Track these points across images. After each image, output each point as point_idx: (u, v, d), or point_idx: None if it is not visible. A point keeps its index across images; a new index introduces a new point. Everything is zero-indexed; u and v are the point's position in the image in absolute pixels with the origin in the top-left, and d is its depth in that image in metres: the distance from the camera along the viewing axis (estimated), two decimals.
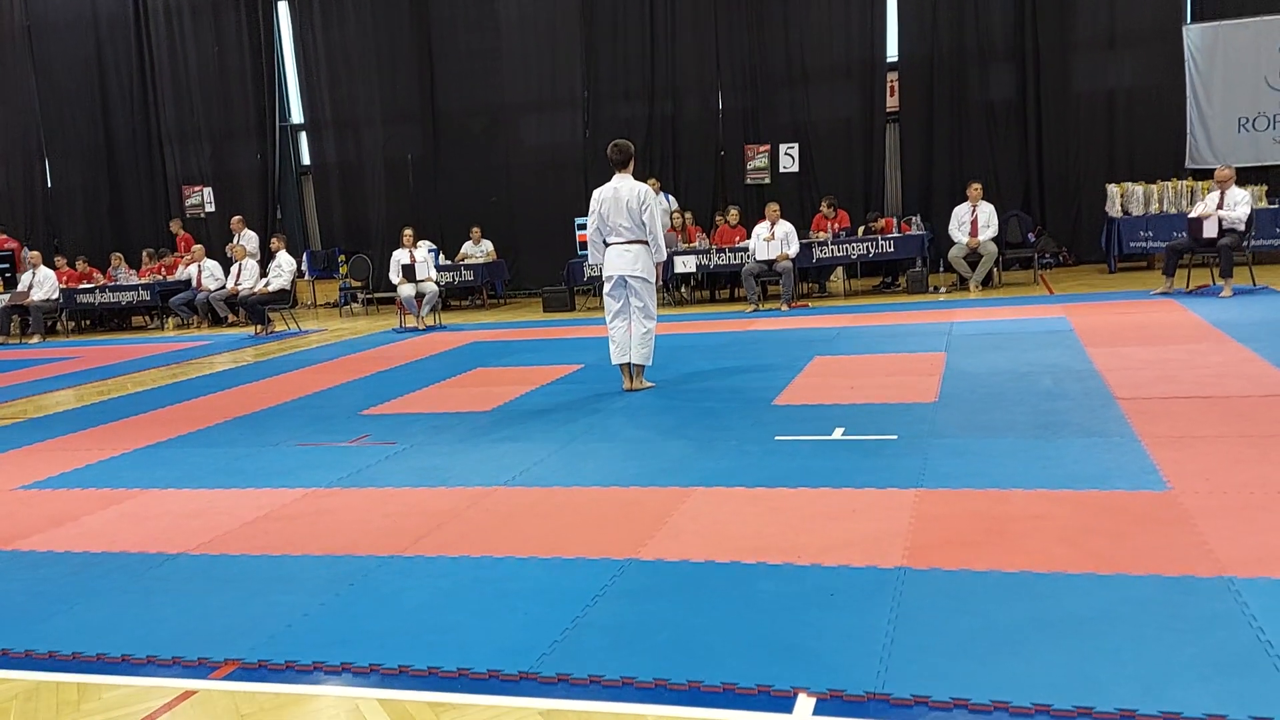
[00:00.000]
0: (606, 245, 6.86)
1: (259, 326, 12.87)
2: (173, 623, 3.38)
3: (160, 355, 11.39)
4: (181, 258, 15.48)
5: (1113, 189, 12.68)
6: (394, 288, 12.55)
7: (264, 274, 13.56)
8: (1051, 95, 13.81)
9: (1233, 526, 3.52)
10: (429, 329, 11.95)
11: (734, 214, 13.08)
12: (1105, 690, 2.49)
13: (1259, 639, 2.68)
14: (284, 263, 13.17)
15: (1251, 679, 2.49)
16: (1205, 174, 10.72)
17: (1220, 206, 9.86)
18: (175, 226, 16.62)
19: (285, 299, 13.22)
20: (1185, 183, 12.41)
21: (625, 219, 6.72)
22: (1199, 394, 5.57)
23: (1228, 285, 9.56)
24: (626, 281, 6.84)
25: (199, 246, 14.92)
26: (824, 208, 12.88)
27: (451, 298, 14.62)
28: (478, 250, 14.64)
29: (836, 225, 12.70)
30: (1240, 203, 9.80)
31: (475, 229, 14.76)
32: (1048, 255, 13.41)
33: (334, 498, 4.76)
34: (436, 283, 12.57)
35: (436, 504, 4.52)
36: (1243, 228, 9.80)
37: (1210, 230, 9.74)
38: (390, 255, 12.79)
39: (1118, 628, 2.81)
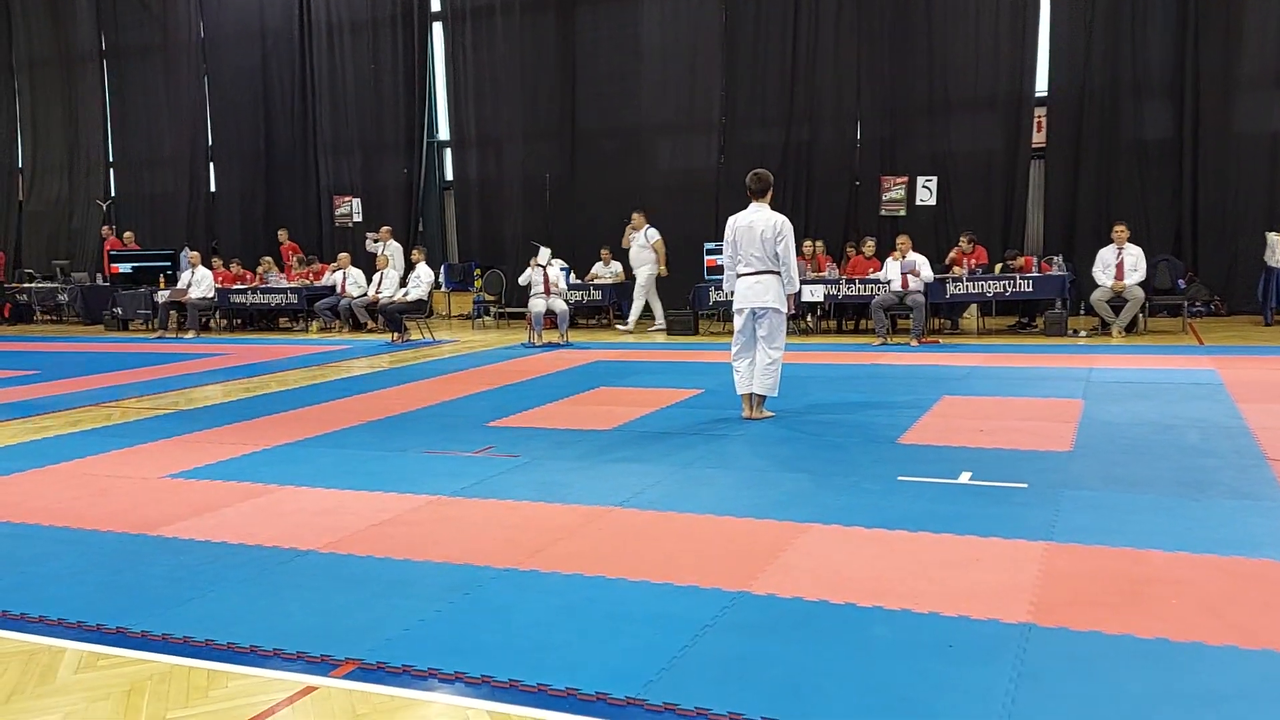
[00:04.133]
0: (739, 276, 6.84)
1: (396, 334, 13.34)
2: (298, 618, 3.52)
3: (303, 356, 11.92)
4: (325, 265, 16.18)
5: (1273, 236, 11.96)
6: (525, 303, 12.81)
7: (403, 284, 14.06)
8: (1210, 134, 13.15)
9: None
10: (556, 346, 12.15)
11: (870, 245, 12.87)
12: None
13: None
14: (423, 274, 13.62)
15: None
16: None
17: None
18: (283, 235, 17.38)
19: (422, 309, 13.68)
20: None
21: (759, 249, 6.71)
22: None
23: None
24: (756, 313, 6.81)
25: (344, 254, 15.56)
26: (962, 242, 12.56)
27: (579, 316, 14.84)
28: (607, 271, 14.83)
29: (973, 261, 12.37)
30: None
31: (605, 250, 14.96)
32: (1198, 304, 12.73)
33: (456, 506, 4.88)
34: (567, 301, 12.78)
35: (554, 519, 4.59)
36: None
37: None
38: (523, 271, 13.08)
39: (1259, 708, 2.64)
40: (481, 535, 4.39)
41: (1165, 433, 6.02)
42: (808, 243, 13.71)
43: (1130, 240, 11.52)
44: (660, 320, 13.83)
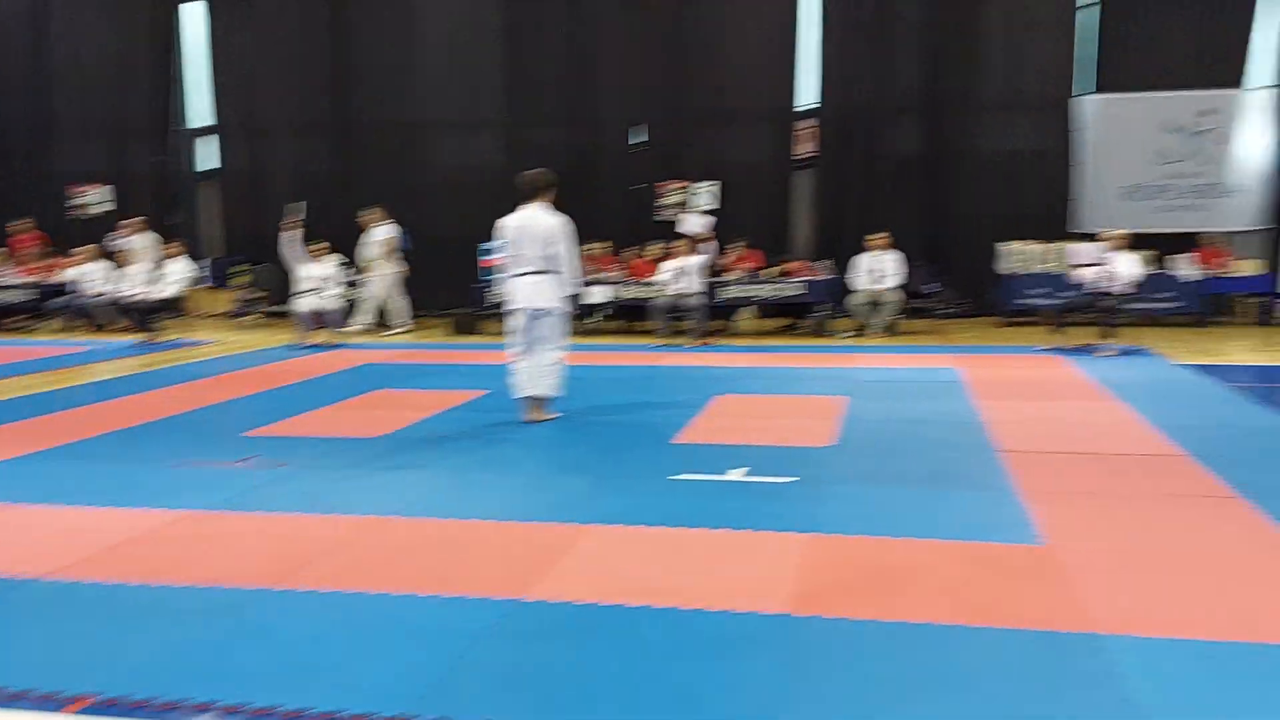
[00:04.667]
0: (516, 276, 6.78)
1: (146, 334, 12.39)
2: (24, 653, 3.19)
3: (37, 360, 10.84)
4: (62, 258, 14.82)
5: (1006, 246, 13.17)
6: (295, 301, 12.23)
7: (156, 280, 13.07)
8: (955, 152, 14.32)
9: (1103, 583, 3.64)
10: (328, 347, 11.67)
11: (656, 249, 13.06)
12: None
13: (1121, 696, 2.76)
14: (178, 269, 12.74)
15: None
16: (1091, 238, 11.26)
17: (1108, 266, 10.32)
18: (20, 226, 15.85)
19: (176, 307, 12.76)
20: (1072, 245, 12.95)
21: (536, 248, 6.67)
22: (1078, 450, 5.78)
23: (1110, 344, 9.99)
24: (533, 314, 6.78)
25: (90, 246, 14.31)
26: (736, 244, 13.04)
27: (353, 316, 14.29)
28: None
29: (744, 263, 12.87)
30: (1128, 264, 10.28)
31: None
32: (946, 306, 13.82)
33: (213, 522, 4.58)
34: (339, 299, 12.29)
35: (321, 532, 4.39)
36: (1128, 289, 10.25)
37: (1093, 276, 10.23)
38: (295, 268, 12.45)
39: (988, 683, 2.87)
40: (241, 552, 4.14)
41: (914, 427, 6.48)
42: (591, 244, 13.83)
43: (887, 247, 12.35)
44: (403, 321, 13.24)
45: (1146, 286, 11.93)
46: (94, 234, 15.87)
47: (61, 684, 2.95)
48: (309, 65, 15.86)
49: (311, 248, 12.09)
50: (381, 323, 13.41)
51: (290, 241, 12.01)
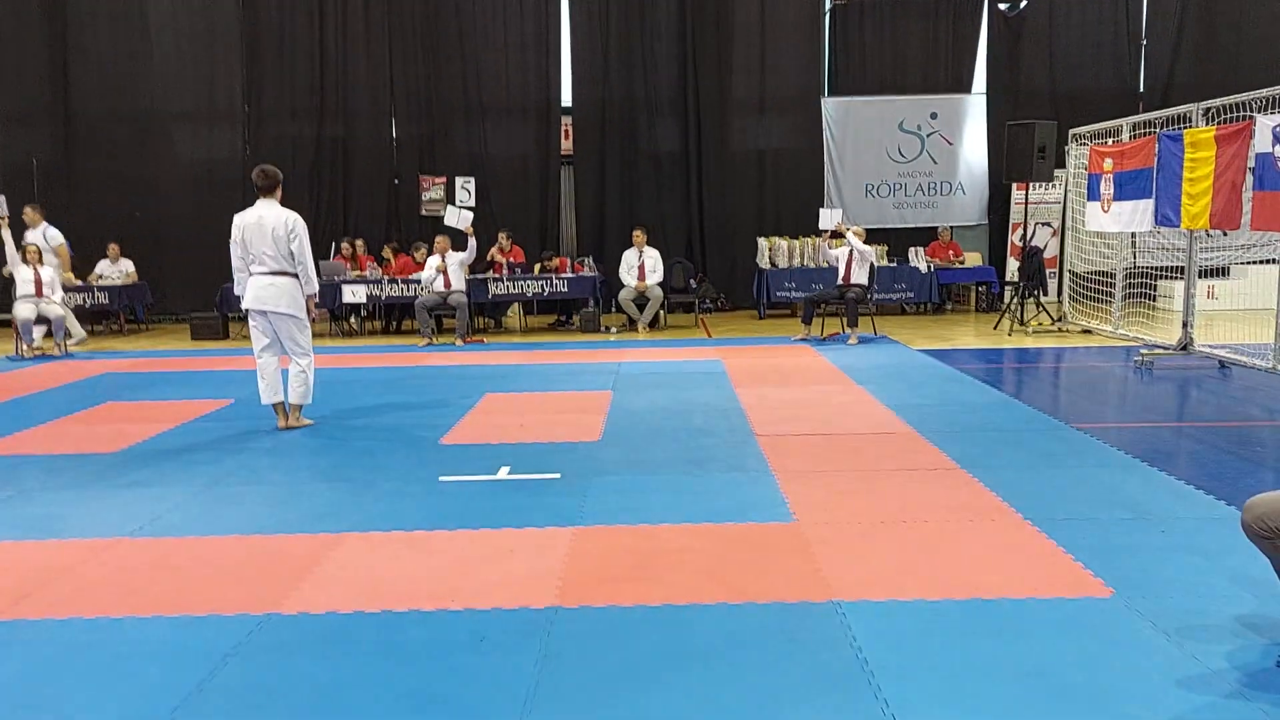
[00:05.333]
0: (252, 275, 6.44)
1: None
2: None
3: None
4: None
5: (762, 242, 13.86)
6: (9, 309, 11.07)
7: None
8: (711, 151, 14.88)
9: (841, 554, 3.91)
10: (52, 357, 10.66)
11: (423, 251, 12.69)
12: (725, 715, 2.66)
13: (858, 657, 2.98)
14: None
15: (848, 696, 2.76)
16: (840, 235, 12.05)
17: (850, 259, 11.06)
18: None
19: None
20: (823, 240, 13.82)
21: (270, 247, 6.35)
22: (824, 431, 6.17)
23: (854, 333, 10.72)
24: (270, 317, 6.46)
25: None
26: (501, 238, 12.99)
27: (83, 322, 13.12)
28: (115, 269, 13.29)
29: (510, 258, 12.85)
30: (869, 254, 11.07)
31: (113, 245, 13.39)
32: (707, 300, 14.37)
33: None
34: (63, 305, 11.24)
35: (45, 559, 4.01)
36: (866, 280, 11.04)
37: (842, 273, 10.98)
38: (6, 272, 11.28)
39: (743, 655, 3.02)
40: None
41: (677, 417, 6.70)
42: (346, 243, 13.37)
43: (649, 244, 12.67)
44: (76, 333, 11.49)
45: (886, 278, 12.92)
46: None
47: None
48: (19, 49, 14.36)
49: (25, 248, 11.00)
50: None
51: (5, 240, 10.92)
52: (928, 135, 14.74)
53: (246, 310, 6.49)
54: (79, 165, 14.54)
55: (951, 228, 14.49)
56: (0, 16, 14.32)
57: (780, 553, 3.93)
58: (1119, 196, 9.93)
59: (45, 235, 11.59)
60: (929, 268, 13.46)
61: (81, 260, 13.27)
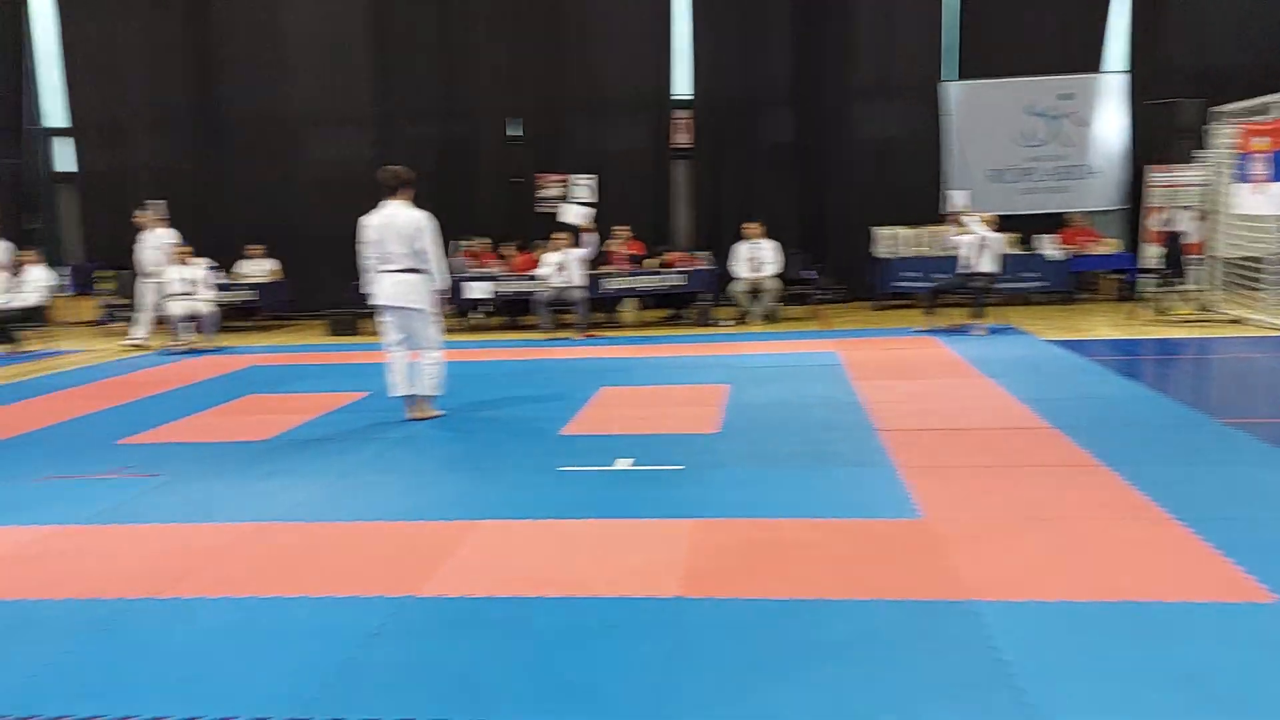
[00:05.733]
0: (382, 273, 6.67)
1: (7, 346, 11.73)
2: None
3: None
4: None
5: (880, 231, 13.60)
6: (166, 305, 11.75)
7: (15, 288, 12.37)
8: (828, 140, 14.68)
9: (974, 552, 3.83)
10: (201, 351, 11.27)
11: (541, 247, 12.89)
12: (860, 713, 2.64)
13: (997, 659, 2.92)
14: (38, 277, 12.09)
15: (990, 698, 2.71)
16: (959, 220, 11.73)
17: (978, 247, 10.76)
18: None
19: (38, 316, 12.13)
20: (944, 228, 13.47)
21: (400, 246, 6.57)
22: (952, 426, 6.04)
23: (981, 324, 10.44)
24: (402, 312, 6.68)
25: None
26: (619, 232, 13.10)
27: (229, 318, 13.82)
28: (258, 268, 13.96)
29: (627, 249, 12.95)
30: (996, 243, 10.75)
31: (255, 246, 14.08)
32: (824, 292, 14.19)
33: (85, 536, 4.39)
34: (212, 302, 11.87)
35: (202, 541, 4.26)
36: (994, 269, 10.73)
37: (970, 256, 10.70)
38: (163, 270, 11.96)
39: (874, 652, 3.00)
40: (118, 565, 3.99)
41: (796, 411, 6.65)
42: (471, 240, 13.70)
43: (765, 235, 12.60)
44: (141, 334, 11.99)
45: (1014, 267, 12.50)
46: None
47: None
48: (168, 60, 15.23)
49: (177, 250, 11.63)
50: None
51: (153, 243, 11.49)
52: (1059, 117, 14.19)
53: (378, 307, 6.72)
54: (224, 169, 15.30)
55: (1084, 213, 13.94)
56: (151, 29, 15.18)
57: (909, 550, 3.88)
58: (1276, 177, 9.40)
59: (160, 236, 11.91)
60: (1061, 255, 12.99)
61: (226, 260, 14.00)
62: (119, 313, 14.16)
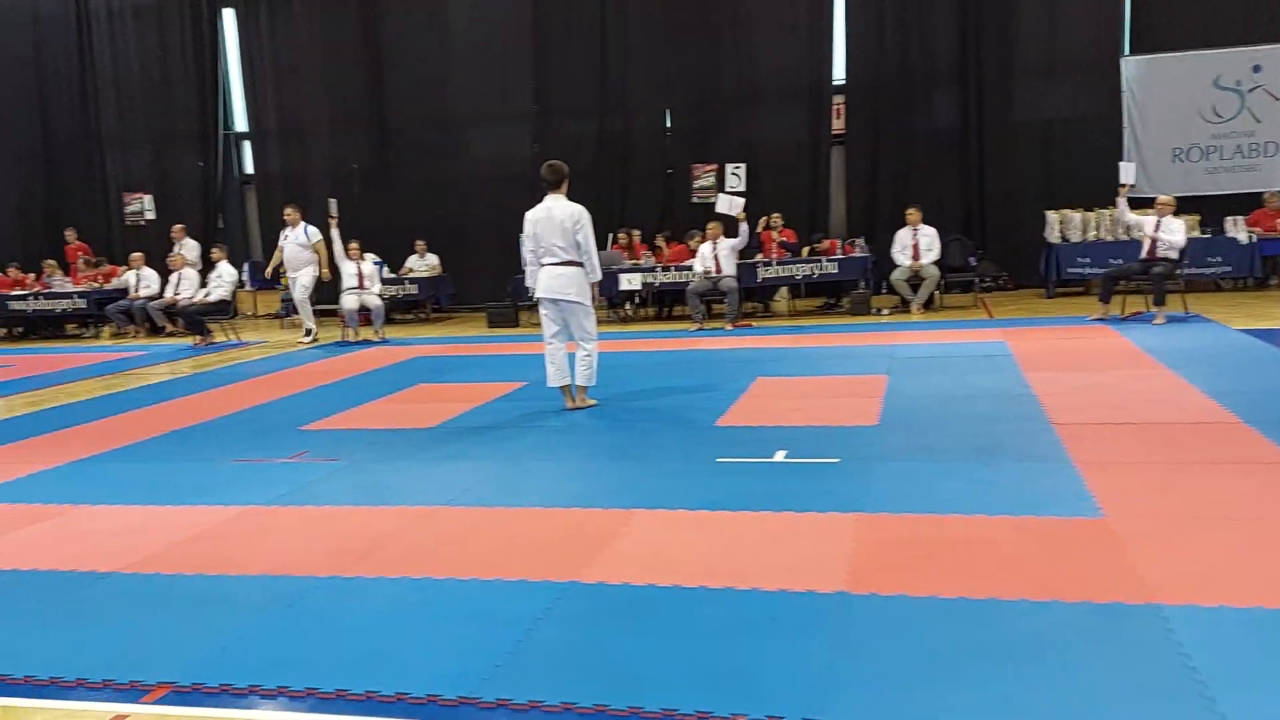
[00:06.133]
0: (542, 267, 6.82)
1: (198, 337, 12.63)
2: (103, 644, 3.29)
3: (95, 365, 11.11)
4: (117, 266, 15.13)
5: (1051, 215, 12.97)
6: (337, 300, 12.39)
7: (204, 284, 13.32)
8: (993, 122, 14.11)
9: (1161, 553, 3.61)
10: (371, 343, 11.82)
11: (696, 238, 12.90)
12: (1034, 718, 2.53)
13: (1185, 665, 2.75)
14: (224, 273, 12.95)
15: (1178, 707, 2.55)
16: (1139, 203, 11.03)
17: (1156, 231, 10.15)
18: (70, 235, 16.20)
19: (225, 310, 13.01)
20: (1120, 195, 12.71)
21: (559, 239, 6.69)
22: (1132, 420, 5.71)
23: (1161, 312, 9.83)
24: (561, 305, 6.81)
25: (138, 254, 14.60)
26: (772, 219, 12.97)
27: (395, 311, 14.47)
28: (422, 264, 14.54)
29: (780, 235, 12.80)
30: (1176, 230, 10.10)
31: (420, 242, 14.66)
32: (988, 279, 13.66)
33: (272, 516, 4.68)
34: (381, 296, 12.44)
35: (377, 523, 4.47)
36: (1176, 255, 10.09)
37: (1146, 248, 10.11)
38: (332, 266, 12.60)
39: (1050, 654, 2.87)
40: (301, 544, 4.23)
41: (962, 403, 6.43)
42: (623, 232, 13.85)
43: (924, 221, 12.22)
44: (310, 327, 12.41)
45: (1199, 251, 11.71)
46: (141, 241, 16.22)
47: (140, 674, 3.04)
48: (342, 65, 16.02)
49: (349, 246, 12.22)
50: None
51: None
52: (1249, 91, 13.20)
53: (538, 299, 6.88)
54: (391, 169, 16.00)
55: (1276, 193, 12.91)
56: (325, 34, 16.00)
57: (1087, 549, 3.69)
58: None
59: (306, 232, 12.13)
60: (1250, 238, 12.09)
61: (393, 256, 14.65)
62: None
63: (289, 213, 12.37)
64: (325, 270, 12.21)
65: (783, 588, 3.46)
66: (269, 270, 13.14)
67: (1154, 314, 9.89)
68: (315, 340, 12.22)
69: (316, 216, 12.68)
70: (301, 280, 12.22)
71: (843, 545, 3.86)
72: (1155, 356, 7.78)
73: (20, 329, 15.24)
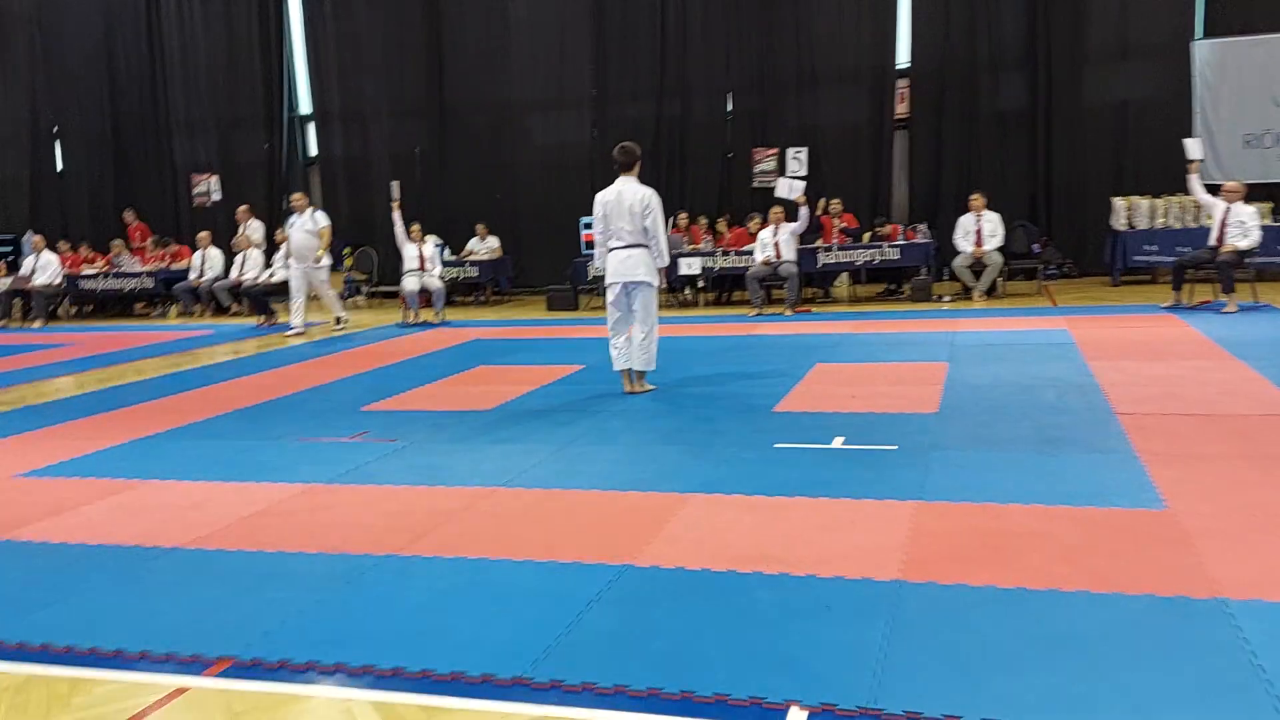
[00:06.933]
0: (610, 250, 6.84)
1: (263, 317, 12.88)
2: (167, 617, 3.38)
3: (162, 344, 11.40)
4: (185, 247, 15.48)
5: (1119, 202, 12.66)
6: (398, 282, 12.54)
7: (268, 265, 13.57)
8: (1061, 106, 13.79)
9: (1229, 548, 3.51)
10: (431, 325, 11.95)
11: (756, 222, 12.82)
12: (1096, 712, 2.49)
13: (1252, 663, 2.67)
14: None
15: (1243, 705, 2.48)
16: (1211, 189, 10.71)
17: (1225, 219, 9.85)
18: (129, 216, 16.54)
19: (287, 290, 13.23)
20: (1190, 198, 12.37)
21: (628, 222, 6.71)
22: (1199, 411, 5.56)
23: (1232, 301, 9.55)
24: (628, 288, 6.82)
25: (204, 234, 14.92)
26: (832, 204, 12.84)
27: (455, 294, 14.62)
28: (483, 246, 14.66)
29: (841, 221, 12.68)
30: (1252, 227, 9.79)
31: (481, 225, 14.78)
32: (1052, 266, 13.39)
33: (332, 494, 4.76)
34: (441, 278, 12.57)
35: (435, 503, 4.52)
36: (1247, 246, 9.79)
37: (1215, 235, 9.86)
38: (394, 249, 12.77)
39: (1112, 648, 2.81)
40: (360, 523, 4.30)
41: (1024, 392, 6.32)
42: (683, 216, 13.80)
43: (988, 207, 12.00)
44: (340, 313, 12.15)
45: (1270, 238, 11.34)
46: (208, 222, 16.57)
47: (202, 647, 3.12)
48: (404, 50, 16.19)
49: (411, 228, 12.35)
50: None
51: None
52: None
53: (606, 282, 6.89)
54: (452, 153, 16.15)
55: None
56: (387, 18, 16.16)
57: (1151, 542, 3.61)
58: None
59: (314, 218, 11.59)
60: None
61: (454, 239, 14.79)
62: (358, 287, 15.26)
63: (297, 198, 11.87)
64: (322, 252, 11.57)
65: (838, 574, 3.44)
66: (284, 260, 12.61)
67: (1224, 303, 9.61)
68: (343, 328, 11.92)
69: (380, 199, 12.81)
70: (322, 274, 11.73)
71: (900, 533, 3.82)
72: (1223, 346, 7.56)
73: (90, 307, 15.68)
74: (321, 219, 11.69)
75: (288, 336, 11.44)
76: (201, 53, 17.25)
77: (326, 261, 11.80)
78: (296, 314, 11.62)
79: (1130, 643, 2.84)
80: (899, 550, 3.64)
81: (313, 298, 12.10)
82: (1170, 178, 12.81)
